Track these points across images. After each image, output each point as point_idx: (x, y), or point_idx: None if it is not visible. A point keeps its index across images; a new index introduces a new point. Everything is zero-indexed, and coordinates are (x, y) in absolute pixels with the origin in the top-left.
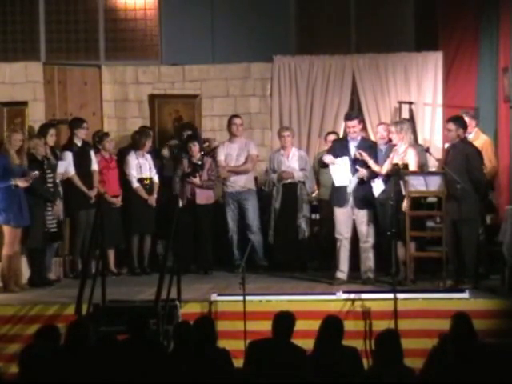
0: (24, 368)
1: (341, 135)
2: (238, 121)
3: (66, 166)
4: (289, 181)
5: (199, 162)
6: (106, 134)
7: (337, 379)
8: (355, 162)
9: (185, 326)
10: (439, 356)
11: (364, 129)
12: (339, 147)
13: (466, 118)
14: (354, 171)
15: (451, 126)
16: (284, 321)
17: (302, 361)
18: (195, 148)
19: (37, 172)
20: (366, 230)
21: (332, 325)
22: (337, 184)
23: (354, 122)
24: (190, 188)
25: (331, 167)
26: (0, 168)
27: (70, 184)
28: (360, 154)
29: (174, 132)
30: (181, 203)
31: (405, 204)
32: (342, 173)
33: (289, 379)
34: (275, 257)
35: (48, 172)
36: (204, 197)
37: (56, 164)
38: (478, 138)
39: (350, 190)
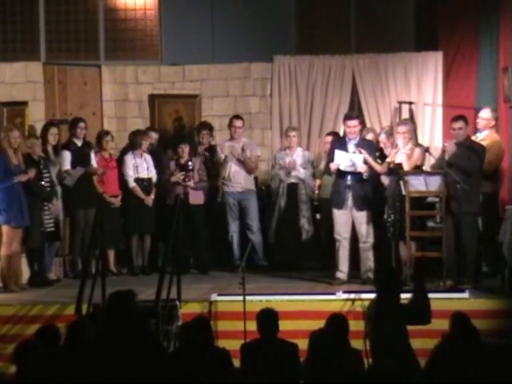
0: (22, 366)
1: (341, 135)
2: (237, 123)
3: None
4: (292, 180)
5: (189, 163)
6: (106, 134)
7: (339, 378)
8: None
9: (190, 326)
10: (441, 356)
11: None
12: (338, 147)
13: (491, 115)
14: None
15: (462, 124)
16: (267, 318)
17: (294, 355)
18: (186, 149)
19: (33, 170)
20: (365, 231)
21: (338, 323)
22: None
23: (355, 122)
24: (183, 188)
25: (339, 164)
26: (1, 168)
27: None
28: (360, 151)
29: (196, 131)
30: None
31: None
32: (346, 159)
33: (283, 375)
34: (277, 257)
35: (44, 172)
36: (196, 197)
37: (56, 162)
38: (490, 137)
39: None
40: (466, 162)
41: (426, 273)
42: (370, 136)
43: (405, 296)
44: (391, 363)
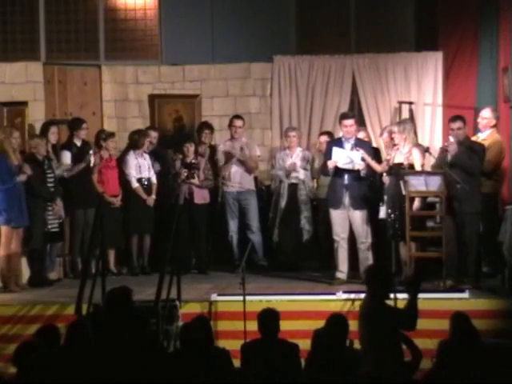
0: (22, 367)
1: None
2: (237, 123)
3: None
4: (292, 181)
5: (194, 161)
6: (112, 135)
7: (339, 378)
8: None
9: (190, 326)
10: (442, 356)
11: (364, 129)
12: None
13: (492, 114)
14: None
15: (460, 124)
16: (268, 318)
17: (294, 355)
18: (192, 148)
19: (27, 166)
20: (362, 231)
21: (338, 323)
22: (341, 165)
23: (352, 121)
24: (188, 188)
25: (337, 162)
26: (2, 169)
27: (68, 183)
28: (358, 150)
29: (197, 131)
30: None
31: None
32: (343, 156)
33: (283, 376)
34: (279, 256)
35: (48, 172)
36: (201, 196)
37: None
38: (491, 137)
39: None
40: (469, 162)
41: (425, 278)
42: (361, 135)
43: (403, 296)
44: (380, 363)
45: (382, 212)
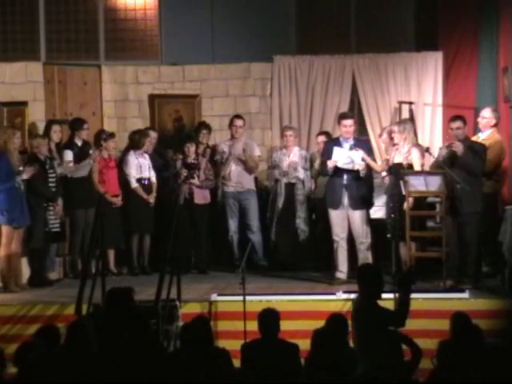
0: (23, 367)
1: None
2: (238, 122)
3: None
4: (291, 180)
5: (195, 161)
6: (113, 135)
7: (338, 378)
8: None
9: (190, 326)
10: (443, 356)
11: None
12: (332, 148)
13: (492, 114)
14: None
15: (460, 123)
16: (268, 318)
17: (294, 355)
18: (192, 149)
19: (28, 168)
20: (362, 231)
21: (338, 323)
22: (341, 165)
23: (351, 121)
24: (188, 188)
25: (337, 161)
26: (3, 169)
27: (68, 183)
28: (357, 150)
29: (194, 131)
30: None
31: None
32: (343, 155)
33: (283, 376)
34: (276, 256)
35: (50, 172)
36: (202, 196)
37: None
38: (492, 137)
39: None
40: (471, 162)
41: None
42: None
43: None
44: (374, 363)
45: (381, 213)
